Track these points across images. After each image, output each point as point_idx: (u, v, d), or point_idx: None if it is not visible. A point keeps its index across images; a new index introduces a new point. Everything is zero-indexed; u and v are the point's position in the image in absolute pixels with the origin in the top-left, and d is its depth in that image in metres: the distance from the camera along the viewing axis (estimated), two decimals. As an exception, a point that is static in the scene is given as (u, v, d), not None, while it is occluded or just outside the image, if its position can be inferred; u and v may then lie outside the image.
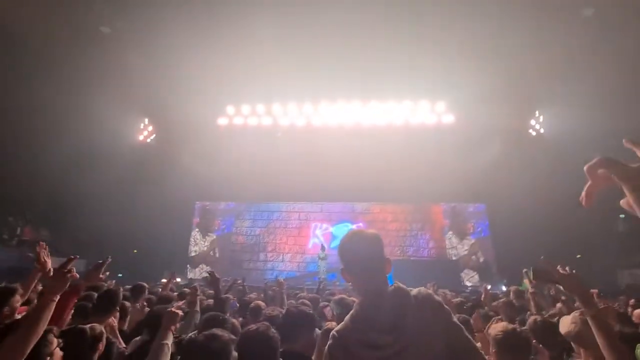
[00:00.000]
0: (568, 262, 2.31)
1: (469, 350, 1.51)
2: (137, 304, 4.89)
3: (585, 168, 0.98)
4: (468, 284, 15.97)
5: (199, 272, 17.80)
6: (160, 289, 6.79)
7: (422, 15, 11.42)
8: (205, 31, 12.13)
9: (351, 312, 1.63)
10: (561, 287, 2.17)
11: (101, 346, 2.51)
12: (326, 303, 4.57)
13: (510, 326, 2.48)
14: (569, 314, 2.63)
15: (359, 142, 16.26)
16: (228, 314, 4.03)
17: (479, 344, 3.48)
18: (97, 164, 14.90)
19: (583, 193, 1.01)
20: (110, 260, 2.85)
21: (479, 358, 1.51)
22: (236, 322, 3.69)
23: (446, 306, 1.59)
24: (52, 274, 2.18)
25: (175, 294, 5.94)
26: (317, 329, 3.07)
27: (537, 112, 16.40)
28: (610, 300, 7.20)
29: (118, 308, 3.64)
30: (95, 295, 3.99)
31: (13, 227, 15.08)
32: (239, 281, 6.80)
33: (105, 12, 11.81)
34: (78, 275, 2.16)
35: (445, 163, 15.87)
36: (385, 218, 18.37)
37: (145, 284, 5.45)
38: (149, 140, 18.17)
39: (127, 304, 4.37)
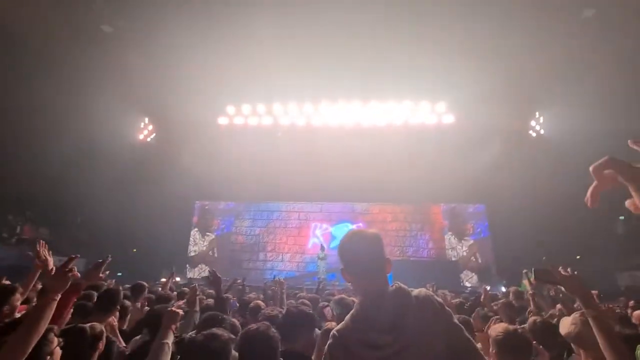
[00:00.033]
0: (567, 263, 2.31)
1: (469, 350, 1.51)
2: (137, 303, 4.89)
3: (591, 168, 0.97)
4: (467, 284, 15.97)
5: (198, 272, 17.82)
6: (159, 288, 6.79)
7: (422, 15, 11.40)
8: (206, 31, 12.13)
9: (351, 311, 1.63)
10: (562, 288, 2.16)
11: (101, 345, 2.50)
12: (326, 303, 4.57)
13: (511, 327, 2.48)
14: (568, 315, 2.63)
15: (359, 142, 16.27)
16: (229, 313, 4.03)
17: (479, 345, 3.49)
18: (97, 163, 14.92)
19: (588, 193, 1.01)
20: (110, 259, 2.85)
21: (479, 359, 1.51)
22: (236, 321, 3.70)
23: (447, 307, 1.59)
24: (53, 272, 2.17)
25: (175, 293, 5.94)
26: (317, 329, 3.07)
27: (537, 113, 16.40)
28: (610, 301, 7.21)
29: (118, 307, 3.64)
30: (95, 294, 3.99)
31: (13, 226, 15.08)
32: (239, 281, 6.79)
33: (106, 12, 11.79)
34: (79, 275, 2.16)
35: (445, 163, 15.88)
36: (385, 218, 18.37)
37: (145, 283, 5.45)
38: (149, 139, 18.16)
39: (128, 303, 4.37)
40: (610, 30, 11.36)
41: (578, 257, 13.81)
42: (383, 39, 12.43)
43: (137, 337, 3.44)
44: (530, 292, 4.78)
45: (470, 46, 12.33)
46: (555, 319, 3.51)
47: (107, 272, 3.11)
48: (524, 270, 5.88)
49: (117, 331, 3.58)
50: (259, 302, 4.58)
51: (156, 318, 2.76)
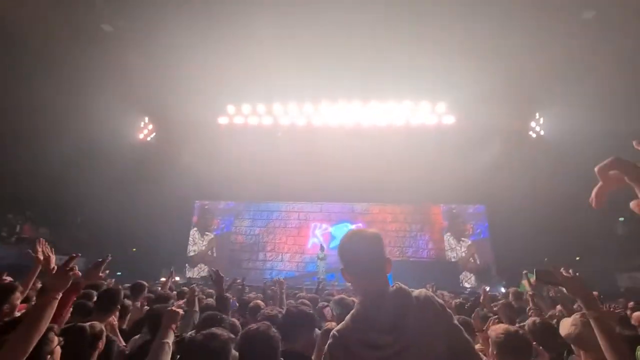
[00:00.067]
0: (567, 264, 2.31)
1: (468, 352, 1.52)
2: (137, 303, 4.89)
3: (596, 169, 0.96)
4: (467, 285, 15.98)
5: (197, 272, 17.83)
6: (159, 288, 6.79)
7: (422, 15, 11.40)
8: (206, 31, 12.13)
9: (352, 311, 1.62)
10: (564, 289, 2.16)
11: (101, 344, 2.50)
12: (325, 303, 4.57)
13: (512, 328, 2.48)
14: (568, 316, 2.64)
15: (359, 142, 16.27)
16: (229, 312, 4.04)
17: (478, 345, 3.49)
18: (97, 163, 14.92)
19: (593, 194, 1.00)
20: (110, 258, 2.85)
21: None
22: (236, 321, 3.70)
23: (448, 309, 1.59)
24: (54, 271, 2.17)
25: (174, 292, 5.94)
26: (317, 329, 3.07)
27: (537, 114, 16.40)
28: (610, 303, 7.20)
29: (119, 307, 3.64)
30: (95, 293, 3.99)
31: (12, 225, 15.07)
32: (238, 280, 6.79)
33: (106, 12, 11.79)
34: (80, 274, 2.16)
35: (445, 164, 15.89)
36: (384, 218, 18.38)
37: (144, 283, 5.45)
38: (149, 139, 18.15)
39: (129, 302, 4.38)
40: (610, 30, 11.36)
41: (578, 258, 13.82)
42: (383, 39, 12.43)
43: (137, 337, 3.44)
44: (530, 292, 4.79)
45: (470, 46, 12.32)
46: (555, 320, 3.51)
47: (107, 272, 3.11)
48: (524, 271, 5.90)
49: (117, 330, 3.58)
50: (259, 301, 4.58)
51: (156, 317, 2.76)
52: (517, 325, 3.81)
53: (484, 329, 3.43)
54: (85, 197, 15.38)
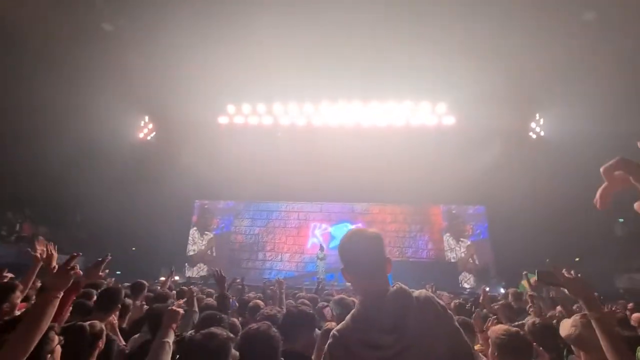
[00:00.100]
0: (566, 265, 2.31)
1: (468, 354, 1.52)
2: (137, 302, 4.89)
3: (601, 169, 0.95)
4: (466, 285, 15.97)
5: (196, 271, 17.82)
6: (158, 287, 6.80)
7: (422, 15, 11.42)
8: (206, 30, 12.14)
9: (352, 311, 1.62)
10: (565, 291, 2.16)
11: (101, 344, 2.50)
12: (325, 303, 4.57)
13: (513, 329, 2.48)
14: (568, 317, 2.64)
15: (359, 142, 16.28)
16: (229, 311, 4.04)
17: (477, 346, 3.50)
18: (97, 162, 14.92)
19: (597, 194, 0.99)
20: (110, 258, 2.85)
21: None
22: (236, 321, 3.70)
23: (449, 310, 1.59)
24: (55, 270, 2.17)
25: (174, 292, 5.94)
26: (317, 329, 3.07)
27: (537, 115, 16.41)
28: (610, 304, 7.20)
29: (119, 306, 3.64)
30: (94, 292, 3.99)
31: (12, 223, 15.07)
32: (238, 280, 6.79)
33: (106, 12, 11.80)
34: (81, 272, 2.16)
35: (445, 164, 15.90)
36: (384, 219, 18.38)
37: (145, 282, 5.45)
38: (149, 138, 18.14)
39: (129, 301, 4.38)
40: (610, 30, 11.37)
41: (577, 259, 13.81)
42: (383, 39, 12.44)
43: (136, 336, 3.44)
44: (529, 293, 4.79)
45: (470, 46, 12.34)
46: (554, 321, 3.52)
47: (107, 271, 3.11)
48: (524, 272, 5.90)
49: (117, 330, 3.58)
50: (258, 301, 4.58)
51: (156, 317, 2.76)
52: (512, 324, 3.83)
53: (484, 329, 3.43)
54: (85, 196, 15.37)
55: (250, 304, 4.40)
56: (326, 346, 1.57)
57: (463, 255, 17.35)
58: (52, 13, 11.71)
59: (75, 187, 14.88)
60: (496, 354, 2.38)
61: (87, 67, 13.49)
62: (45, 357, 1.93)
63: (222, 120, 17.11)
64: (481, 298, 5.39)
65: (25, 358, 1.70)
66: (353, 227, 16.55)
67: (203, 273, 16.95)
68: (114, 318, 3.54)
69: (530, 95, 15.15)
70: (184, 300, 3.96)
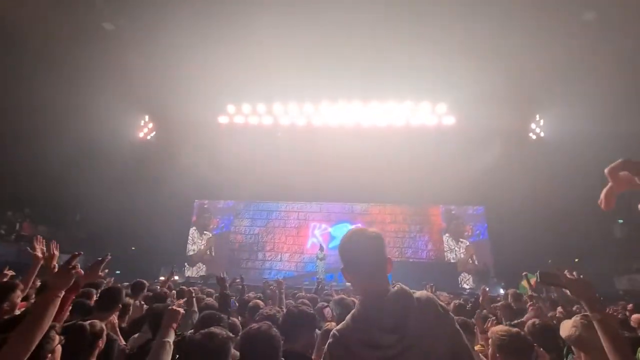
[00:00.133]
0: (566, 266, 2.30)
1: (468, 356, 1.52)
2: (137, 301, 4.90)
3: (606, 170, 0.95)
4: (466, 286, 15.97)
5: (196, 271, 17.81)
6: (158, 287, 6.80)
7: (422, 15, 11.41)
8: (207, 30, 12.14)
9: (352, 311, 1.62)
10: (568, 292, 2.15)
11: (101, 343, 2.50)
12: (325, 304, 4.56)
13: (514, 329, 2.48)
14: (568, 317, 2.64)
15: (359, 142, 16.27)
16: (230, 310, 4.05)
17: (478, 346, 3.50)
18: (97, 161, 14.93)
19: (602, 195, 0.99)
20: (110, 257, 2.84)
21: None
22: (236, 320, 3.70)
23: (450, 312, 1.59)
24: (56, 270, 2.17)
25: (173, 291, 5.95)
26: (317, 330, 3.07)
27: (537, 116, 16.42)
28: (610, 305, 7.21)
29: (120, 306, 3.64)
30: (94, 292, 3.99)
31: (12, 223, 15.07)
32: (238, 280, 6.79)
33: (106, 11, 11.80)
34: (82, 272, 2.16)
35: (445, 165, 15.92)
36: (384, 219, 18.37)
37: (144, 281, 5.46)
38: (149, 137, 18.14)
39: (130, 301, 4.38)
40: (610, 31, 11.37)
41: (576, 260, 13.82)
42: (383, 39, 12.44)
43: (136, 335, 3.44)
44: (529, 294, 4.79)
45: (470, 46, 12.34)
46: (555, 321, 3.52)
47: (107, 271, 3.11)
48: (524, 273, 5.90)
49: (117, 329, 3.58)
50: (258, 301, 4.58)
51: (157, 316, 2.76)
52: (509, 324, 3.83)
53: (485, 329, 3.44)
54: (85, 196, 15.37)
55: (250, 304, 4.40)
56: (326, 346, 1.57)
57: (462, 255, 17.35)
58: (52, 13, 11.70)
59: (75, 186, 14.88)
60: (498, 355, 2.38)
61: (87, 67, 13.49)
62: (46, 357, 1.93)
63: (222, 120, 17.10)
64: (481, 298, 5.39)
65: (26, 357, 1.70)
66: (353, 227, 16.58)
67: (202, 273, 16.94)
68: (114, 317, 3.54)
69: (530, 95, 15.15)
70: (183, 300, 3.96)
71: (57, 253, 2.81)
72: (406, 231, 18.08)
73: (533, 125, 16.65)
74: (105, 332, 2.58)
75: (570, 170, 13.97)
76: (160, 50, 12.99)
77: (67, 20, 12.00)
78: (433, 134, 16.31)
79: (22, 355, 1.69)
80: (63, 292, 1.98)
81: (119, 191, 15.48)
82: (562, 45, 12.10)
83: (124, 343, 3.31)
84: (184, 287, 6.30)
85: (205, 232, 18.99)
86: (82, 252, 2.23)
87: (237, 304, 5.39)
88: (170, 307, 2.59)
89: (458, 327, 1.56)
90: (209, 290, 6.68)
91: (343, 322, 1.61)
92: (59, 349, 2.04)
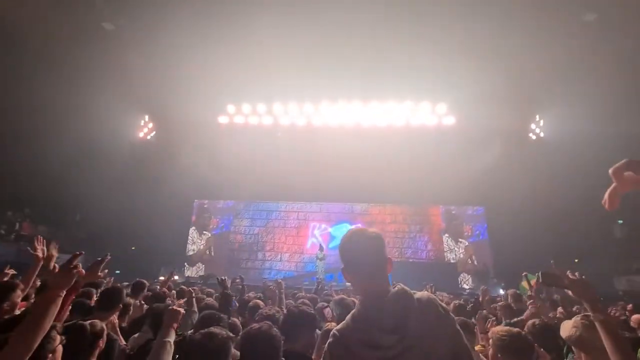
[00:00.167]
0: (565, 266, 2.30)
1: (469, 357, 1.52)
2: (137, 301, 4.90)
3: (610, 171, 0.94)
4: (465, 286, 15.97)
5: (195, 271, 17.80)
6: (158, 287, 6.81)
7: (422, 15, 11.42)
8: (207, 30, 12.14)
9: (352, 311, 1.62)
10: (570, 292, 2.15)
11: (101, 343, 2.50)
12: (325, 304, 4.56)
13: (514, 329, 2.48)
14: (568, 318, 2.64)
15: (359, 142, 16.27)
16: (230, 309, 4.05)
17: (478, 346, 3.50)
18: (97, 161, 14.94)
19: (606, 195, 0.98)
20: (109, 257, 2.84)
21: None
22: (237, 320, 3.70)
23: (451, 313, 1.59)
24: (57, 269, 2.17)
25: (173, 291, 5.95)
26: (317, 330, 3.06)
27: (537, 116, 16.42)
28: (610, 306, 7.21)
29: (121, 306, 3.65)
30: (94, 291, 4.00)
31: (11, 222, 15.07)
32: (238, 280, 6.79)
33: (106, 11, 11.80)
34: (84, 272, 2.16)
35: (445, 165, 15.92)
36: (384, 219, 18.37)
37: (145, 281, 5.46)
38: (149, 137, 18.13)
39: (131, 301, 4.38)
40: (610, 31, 11.37)
41: (576, 260, 13.81)
42: (383, 39, 12.44)
43: (136, 335, 3.44)
44: (529, 294, 4.79)
45: (470, 46, 12.34)
46: (556, 321, 3.52)
47: (106, 271, 3.10)
48: (524, 273, 5.90)
49: (118, 329, 3.58)
50: (258, 301, 4.58)
51: (158, 316, 2.76)
52: (508, 322, 3.84)
53: (486, 330, 3.44)
54: (85, 196, 15.37)
55: (250, 304, 4.40)
56: (326, 345, 1.57)
57: (462, 256, 17.35)
58: (52, 13, 11.70)
59: (75, 186, 14.88)
60: (499, 355, 2.37)
61: (87, 67, 13.50)
62: (47, 357, 1.92)
63: (222, 120, 17.10)
64: (481, 298, 5.39)
65: (27, 357, 1.70)
66: (353, 227, 16.56)
67: (202, 273, 16.93)
68: (114, 317, 3.54)
69: (530, 96, 15.15)
70: (184, 300, 3.97)
71: (55, 254, 2.81)
72: (406, 231, 18.07)
73: (533, 126, 16.66)
74: (105, 332, 2.58)
75: (570, 170, 13.97)
76: (160, 50, 12.99)
77: (67, 20, 12.00)
78: (433, 134, 16.31)
79: (23, 356, 1.69)
80: (64, 292, 1.98)
81: (119, 191, 15.48)
82: (562, 45, 12.10)
83: (124, 343, 3.31)
84: (184, 287, 6.31)
85: (204, 232, 18.98)
86: (83, 252, 2.23)
87: (237, 304, 5.39)
88: (170, 307, 2.59)
89: (459, 327, 1.56)
90: (209, 290, 6.68)
91: (343, 322, 1.61)
92: (60, 349, 2.04)
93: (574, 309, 4.28)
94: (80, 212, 17.75)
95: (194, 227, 19.06)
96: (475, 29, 11.75)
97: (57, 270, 2.16)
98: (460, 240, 17.67)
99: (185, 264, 18.07)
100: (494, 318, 4.29)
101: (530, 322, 3.18)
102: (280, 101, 16.46)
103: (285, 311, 3.17)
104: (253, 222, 18.94)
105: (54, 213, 16.77)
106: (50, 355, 1.95)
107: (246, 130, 17.18)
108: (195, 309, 4.25)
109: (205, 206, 19.52)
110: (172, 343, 2.34)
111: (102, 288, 4.24)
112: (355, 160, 16.04)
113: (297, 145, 16.98)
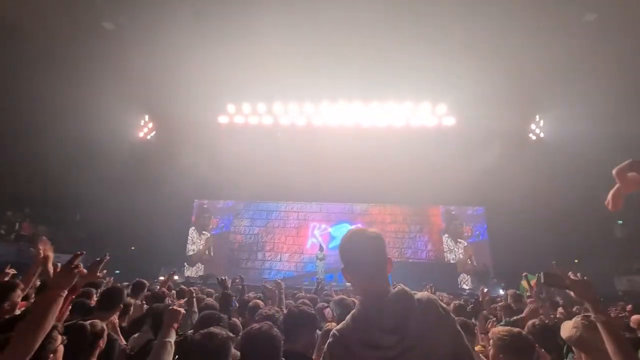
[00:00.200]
0: (565, 266, 2.30)
1: (469, 357, 1.52)
2: (137, 301, 4.90)
3: (614, 171, 0.94)
4: (465, 287, 15.97)
5: (195, 271, 17.79)
6: (158, 287, 6.81)
7: (422, 15, 11.41)
8: (207, 30, 12.13)
9: (352, 311, 1.62)
10: (571, 293, 2.15)
11: (102, 343, 2.50)
12: (325, 304, 4.56)
13: (515, 329, 2.48)
14: (568, 318, 2.64)
15: (359, 142, 16.28)
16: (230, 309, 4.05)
17: (478, 347, 3.51)
18: (97, 161, 14.93)
19: (609, 196, 0.98)
20: (108, 257, 2.84)
21: None
22: (237, 320, 3.70)
23: (452, 314, 1.59)
24: (57, 269, 2.17)
25: (173, 291, 5.96)
26: (317, 330, 3.06)
27: (537, 117, 16.41)
28: (610, 306, 7.21)
29: (121, 306, 3.64)
30: (94, 291, 4.00)
31: (11, 222, 15.07)
32: (237, 280, 6.79)
33: (106, 11, 11.80)
34: (85, 271, 2.16)
35: (445, 165, 15.90)
36: (384, 219, 18.37)
37: (145, 281, 5.46)
38: (149, 137, 18.12)
39: (131, 301, 4.38)
40: (611, 31, 11.37)
41: (576, 260, 13.81)
42: (383, 39, 12.43)
43: (136, 335, 3.44)
44: (529, 294, 4.80)
45: (470, 46, 12.33)
46: (556, 321, 3.53)
47: (105, 271, 3.11)
48: (524, 273, 5.90)
49: (118, 329, 3.58)
50: (258, 301, 4.58)
51: (158, 316, 2.76)
52: (507, 321, 3.83)
53: (487, 330, 3.44)
54: (85, 196, 15.37)
55: (250, 304, 4.40)
56: (326, 345, 1.57)
57: (462, 256, 17.35)
58: (52, 12, 11.71)
59: (75, 186, 14.88)
60: (500, 355, 2.37)
61: (87, 67, 13.48)
62: (48, 357, 1.92)
63: (222, 120, 17.09)
64: (481, 298, 5.39)
65: (29, 357, 1.70)
66: (353, 227, 16.54)
67: (201, 273, 16.93)
68: (114, 317, 3.54)
69: (530, 96, 15.14)
70: (184, 300, 3.97)
71: (51, 255, 2.81)
72: (406, 231, 18.08)
73: (533, 126, 16.65)
74: (106, 332, 2.58)
75: (570, 171, 13.97)
76: (160, 49, 12.98)
77: (67, 19, 12.00)
78: (433, 135, 16.32)
79: (24, 356, 1.68)
80: (65, 292, 1.98)
81: (119, 191, 15.47)
82: (562, 45, 12.09)
83: (125, 343, 3.31)
84: (184, 287, 6.31)
85: (204, 232, 18.97)
86: (84, 252, 2.23)
87: (237, 304, 5.39)
88: (171, 307, 2.59)
89: (459, 328, 1.55)
90: (209, 290, 6.68)
91: (343, 322, 1.61)
92: (61, 349, 2.03)
93: (574, 309, 4.28)
94: (80, 212, 17.75)
95: (193, 227, 19.05)
96: (475, 29, 11.75)
97: (57, 269, 2.15)
98: (460, 240, 17.67)
99: (185, 264, 18.07)
100: (494, 318, 4.29)
101: (530, 322, 3.18)
102: (280, 101, 16.45)
103: (285, 311, 3.17)
104: (253, 222, 18.93)
105: (54, 213, 16.77)
106: (52, 355, 1.95)
107: (246, 130, 17.16)
108: (196, 309, 4.25)
109: (205, 206, 19.51)
110: (172, 343, 2.34)
111: (102, 288, 4.25)
112: (355, 160, 16.04)
113: (297, 145, 16.98)
